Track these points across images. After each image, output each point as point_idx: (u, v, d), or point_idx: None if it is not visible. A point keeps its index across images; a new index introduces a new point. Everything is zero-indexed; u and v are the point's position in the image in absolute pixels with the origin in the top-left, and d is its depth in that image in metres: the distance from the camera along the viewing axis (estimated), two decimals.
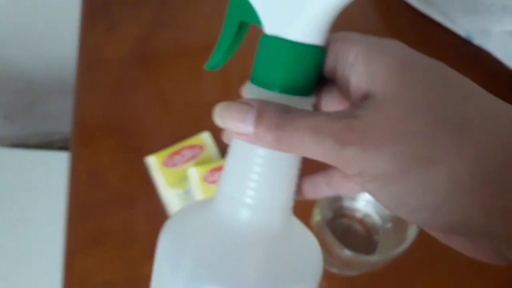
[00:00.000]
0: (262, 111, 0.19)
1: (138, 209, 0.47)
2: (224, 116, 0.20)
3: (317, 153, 0.19)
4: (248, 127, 0.19)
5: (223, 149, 0.50)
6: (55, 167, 0.68)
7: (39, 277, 0.67)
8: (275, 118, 0.19)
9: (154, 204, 0.47)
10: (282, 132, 0.19)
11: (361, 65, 0.20)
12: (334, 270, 0.44)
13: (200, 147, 0.49)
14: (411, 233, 0.35)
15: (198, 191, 0.46)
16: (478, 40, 0.54)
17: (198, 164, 0.48)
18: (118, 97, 0.53)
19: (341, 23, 0.47)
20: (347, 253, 0.34)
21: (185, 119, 0.51)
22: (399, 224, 0.38)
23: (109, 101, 0.53)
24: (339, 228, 0.44)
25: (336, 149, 0.18)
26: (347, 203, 0.44)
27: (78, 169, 0.49)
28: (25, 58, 0.87)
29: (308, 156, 0.19)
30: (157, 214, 0.46)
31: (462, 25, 0.54)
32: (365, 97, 0.19)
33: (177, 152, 0.48)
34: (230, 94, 0.53)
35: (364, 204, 0.43)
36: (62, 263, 0.45)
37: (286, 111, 0.19)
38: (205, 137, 0.50)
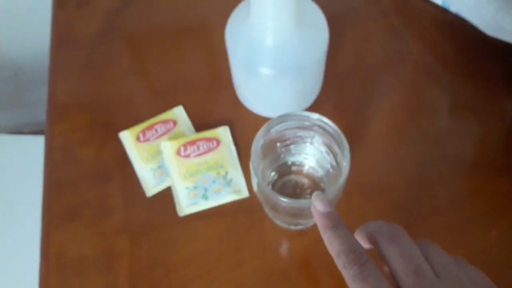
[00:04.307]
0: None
1: (112, 184, 0.47)
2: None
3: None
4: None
5: (196, 124, 0.50)
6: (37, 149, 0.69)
7: (19, 253, 0.69)
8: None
9: (128, 179, 0.47)
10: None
11: None
12: (293, 227, 0.44)
13: (174, 122, 0.49)
14: (344, 171, 0.35)
15: (172, 165, 0.47)
16: (454, 8, 0.54)
17: (172, 138, 0.48)
18: (91, 73, 0.53)
19: None
20: (283, 200, 0.34)
21: (159, 94, 0.51)
22: (337, 167, 0.38)
23: (82, 77, 0.53)
24: (288, 186, 0.44)
25: None
26: (291, 159, 0.43)
27: (52, 146, 0.49)
28: (10, 46, 0.88)
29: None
30: (131, 189, 0.47)
31: None
32: None
33: (150, 127, 0.48)
34: (201, 70, 0.53)
35: (304, 157, 0.43)
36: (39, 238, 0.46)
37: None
38: (178, 112, 0.50)
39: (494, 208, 0.46)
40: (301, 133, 0.40)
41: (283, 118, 0.37)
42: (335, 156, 0.39)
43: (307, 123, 0.38)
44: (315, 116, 0.36)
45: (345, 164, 0.35)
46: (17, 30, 0.87)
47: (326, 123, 0.36)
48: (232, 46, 0.43)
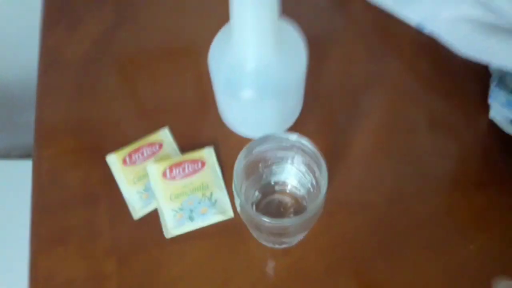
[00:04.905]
0: None
1: (99, 207, 0.48)
2: None
3: None
4: None
5: (182, 145, 0.51)
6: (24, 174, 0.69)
7: (7, 278, 0.69)
8: None
9: (115, 201, 0.48)
10: None
11: None
12: (278, 246, 0.45)
13: (159, 144, 0.50)
14: (322, 189, 0.36)
15: (158, 188, 0.48)
16: (428, 28, 0.56)
17: (158, 160, 0.49)
18: (79, 96, 0.54)
19: (296, 13, 0.49)
20: (266, 220, 0.35)
21: (145, 116, 0.53)
22: (317, 186, 0.39)
23: (70, 101, 0.54)
24: (272, 205, 0.45)
25: None
26: (273, 179, 0.45)
27: (40, 170, 0.50)
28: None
29: None
30: (118, 211, 0.48)
31: (411, 13, 0.55)
32: None
33: (136, 150, 0.50)
34: (186, 92, 0.54)
35: (286, 176, 0.44)
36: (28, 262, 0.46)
37: None
38: (164, 134, 0.51)
39: (472, 222, 0.48)
40: (282, 153, 0.41)
41: (263, 140, 0.39)
42: (314, 175, 0.40)
43: (286, 144, 0.39)
44: (293, 137, 0.38)
45: (323, 182, 0.36)
46: (5, 53, 0.88)
47: (304, 144, 0.38)
48: (215, 69, 0.44)
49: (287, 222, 0.37)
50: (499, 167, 0.50)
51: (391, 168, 0.50)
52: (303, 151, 0.39)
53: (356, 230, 0.47)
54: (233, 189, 0.37)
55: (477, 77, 0.54)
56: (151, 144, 0.50)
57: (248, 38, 0.40)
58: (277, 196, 0.46)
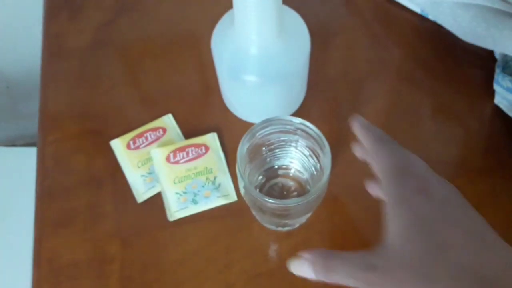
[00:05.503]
0: (315, 262, 0.30)
1: (103, 190, 0.48)
2: (295, 271, 0.31)
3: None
4: (310, 273, 0.30)
5: (185, 131, 0.51)
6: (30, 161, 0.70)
7: (12, 260, 0.69)
8: (323, 267, 0.29)
9: (119, 185, 0.48)
10: (329, 274, 0.29)
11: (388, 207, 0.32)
12: (280, 229, 0.45)
13: (163, 129, 0.50)
14: (326, 170, 0.36)
15: (162, 171, 0.48)
16: (431, 16, 0.55)
17: (162, 145, 0.49)
18: (82, 83, 0.54)
19: (299, 0, 0.49)
20: (269, 201, 0.35)
21: (149, 103, 0.53)
22: (321, 170, 0.40)
23: (74, 88, 0.54)
24: (275, 189, 0.46)
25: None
26: (277, 163, 0.45)
27: (44, 154, 0.50)
28: (1, 59, 0.89)
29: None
30: (122, 195, 0.48)
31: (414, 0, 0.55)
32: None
33: (140, 135, 0.50)
34: (190, 78, 0.54)
35: (289, 160, 0.44)
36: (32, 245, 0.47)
37: (329, 259, 0.29)
38: (167, 120, 0.51)
39: (476, 208, 0.47)
40: (285, 137, 0.41)
41: (267, 122, 0.39)
42: (318, 158, 0.40)
43: (290, 127, 0.39)
44: (297, 120, 0.38)
45: (327, 163, 0.36)
46: (9, 43, 0.88)
47: (308, 127, 0.38)
48: (218, 55, 0.44)
49: (290, 202, 0.37)
50: (504, 153, 0.50)
51: None
52: (307, 134, 0.39)
53: (360, 215, 0.47)
54: (237, 172, 0.37)
55: (481, 63, 0.54)
56: (155, 129, 0.50)
57: (251, 23, 0.40)
58: (280, 180, 0.46)
